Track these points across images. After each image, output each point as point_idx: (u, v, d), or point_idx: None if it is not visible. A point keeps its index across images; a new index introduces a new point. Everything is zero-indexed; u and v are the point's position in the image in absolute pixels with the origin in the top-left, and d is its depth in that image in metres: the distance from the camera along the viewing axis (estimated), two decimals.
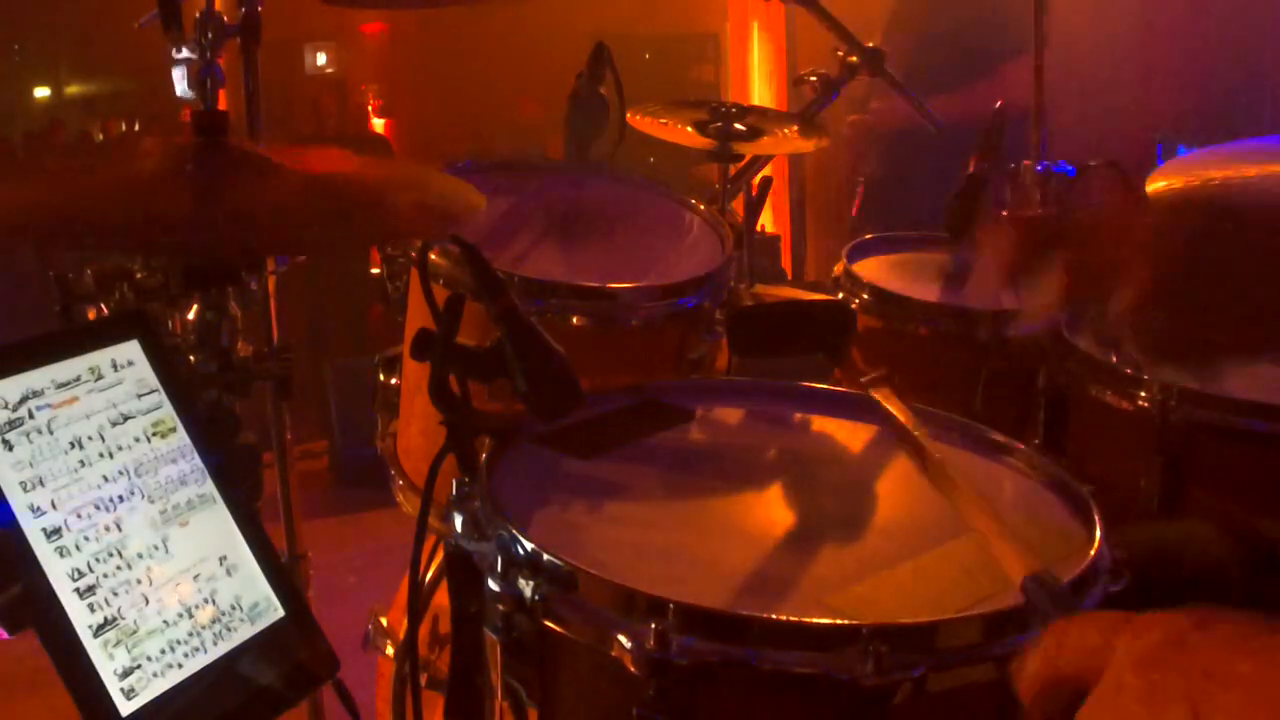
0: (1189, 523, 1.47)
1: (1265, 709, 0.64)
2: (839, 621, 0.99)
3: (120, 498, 1.02)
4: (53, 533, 0.96)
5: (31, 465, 0.96)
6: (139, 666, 0.97)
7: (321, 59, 5.73)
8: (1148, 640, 0.71)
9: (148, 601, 1.00)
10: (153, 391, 1.08)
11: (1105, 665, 0.72)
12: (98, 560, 0.98)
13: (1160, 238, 1.02)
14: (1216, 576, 1.24)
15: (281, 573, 1.11)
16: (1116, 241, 1.03)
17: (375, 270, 1.82)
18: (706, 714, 1.03)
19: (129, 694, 0.95)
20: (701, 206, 1.93)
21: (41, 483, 0.96)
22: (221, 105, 1.85)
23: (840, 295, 1.97)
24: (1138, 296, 0.99)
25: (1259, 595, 0.72)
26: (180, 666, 1.00)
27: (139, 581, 1.00)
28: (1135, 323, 1.01)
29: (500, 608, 1.08)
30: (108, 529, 1.00)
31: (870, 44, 2.26)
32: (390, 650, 1.89)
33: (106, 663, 0.95)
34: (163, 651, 0.99)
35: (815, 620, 0.99)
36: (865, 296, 1.95)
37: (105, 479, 1.01)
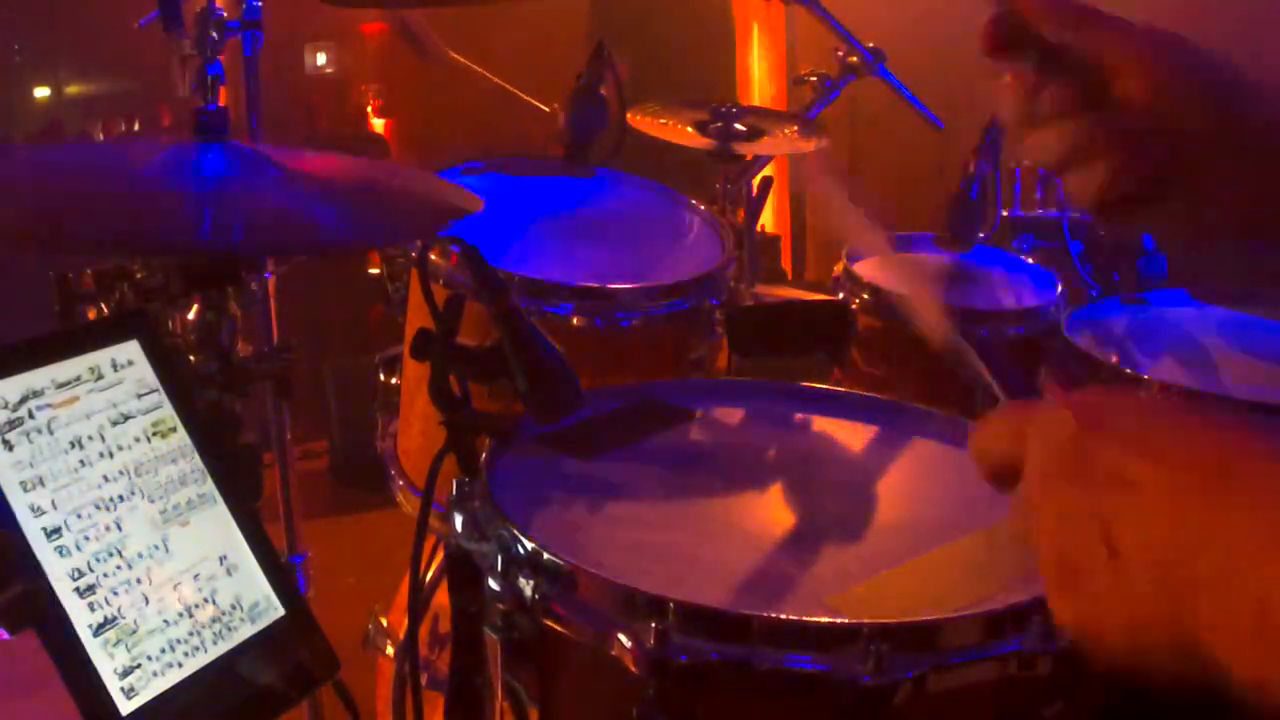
0: None
1: (1169, 511, 0.62)
2: (839, 621, 0.99)
3: (120, 497, 1.02)
4: (53, 532, 0.95)
5: (32, 465, 0.96)
6: (139, 666, 0.97)
7: (321, 59, 5.70)
8: (1051, 446, 0.68)
9: (148, 601, 1.00)
10: (153, 391, 1.08)
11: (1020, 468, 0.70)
12: (98, 560, 0.98)
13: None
14: None
15: (281, 572, 1.11)
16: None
17: (375, 270, 1.82)
18: (706, 714, 1.03)
19: (129, 693, 0.95)
20: (702, 206, 1.93)
21: (42, 482, 0.96)
22: (221, 104, 1.85)
23: (840, 295, 1.97)
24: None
25: None
26: (180, 666, 1.00)
27: (139, 581, 1.00)
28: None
29: (500, 608, 1.08)
30: (108, 529, 0.99)
31: (870, 44, 2.27)
32: (390, 650, 1.88)
33: (106, 662, 0.95)
34: (163, 651, 0.99)
35: (815, 620, 0.99)
36: (865, 296, 1.95)
37: (105, 479, 1.01)
